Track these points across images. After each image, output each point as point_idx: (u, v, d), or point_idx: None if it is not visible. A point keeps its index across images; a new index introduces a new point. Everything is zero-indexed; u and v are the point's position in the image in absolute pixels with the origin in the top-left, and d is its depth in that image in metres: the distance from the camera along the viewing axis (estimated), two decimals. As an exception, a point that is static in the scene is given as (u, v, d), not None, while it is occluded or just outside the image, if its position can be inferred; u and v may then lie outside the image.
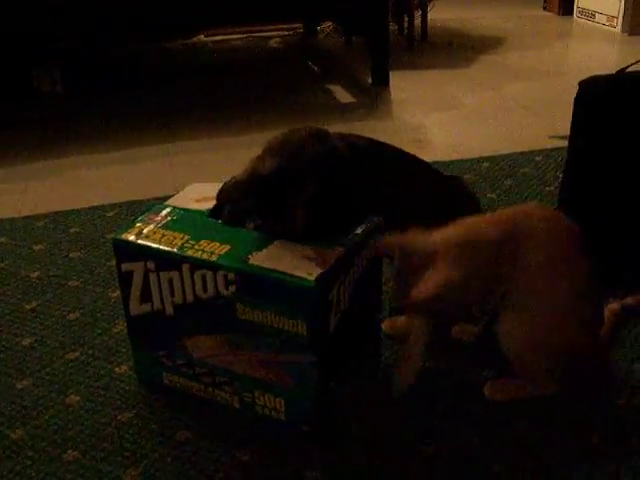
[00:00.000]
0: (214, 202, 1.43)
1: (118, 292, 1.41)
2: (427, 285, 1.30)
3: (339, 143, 1.41)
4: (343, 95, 3.40)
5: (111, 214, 2.25)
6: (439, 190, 1.64)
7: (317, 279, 1.23)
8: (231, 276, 1.27)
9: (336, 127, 2.73)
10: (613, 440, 1.35)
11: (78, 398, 1.49)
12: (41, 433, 1.40)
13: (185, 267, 1.31)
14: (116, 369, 1.57)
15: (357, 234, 1.35)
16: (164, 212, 1.45)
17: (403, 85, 3.46)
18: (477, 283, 1.34)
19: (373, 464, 1.31)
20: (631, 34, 4.16)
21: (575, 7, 4.68)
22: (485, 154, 2.61)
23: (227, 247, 1.31)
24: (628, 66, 1.80)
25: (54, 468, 1.32)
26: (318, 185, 1.32)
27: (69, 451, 1.36)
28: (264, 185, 1.33)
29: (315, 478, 1.29)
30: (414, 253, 1.33)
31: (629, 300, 1.54)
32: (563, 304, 1.36)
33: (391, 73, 3.47)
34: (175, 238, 1.36)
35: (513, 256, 1.34)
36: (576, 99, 1.78)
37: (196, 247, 1.32)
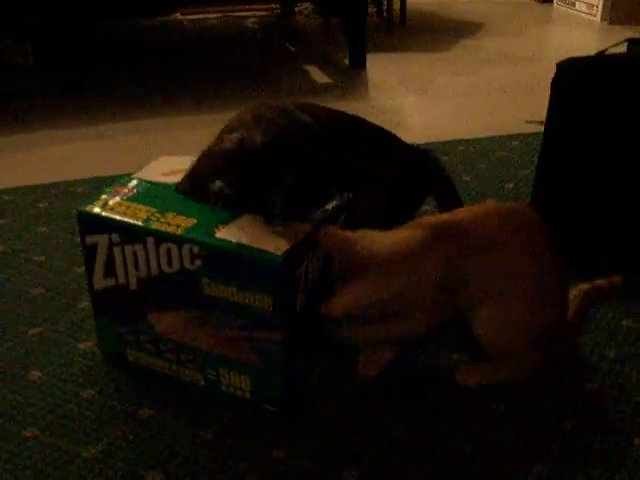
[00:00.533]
0: (182, 175, 1.40)
1: (84, 268, 1.37)
2: (342, 297, 1.24)
3: (307, 118, 1.37)
4: (319, 76, 3.37)
5: (80, 189, 2.21)
6: (406, 161, 1.62)
7: (284, 254, 1.19)
8: (196, 250, 1.24)
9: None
10: (585, 425, 1.34)
11: (39, 374, 1.45)
12: (0, 409, 1.37)
13: (150, 240, 1.28)
14: (80, 345, 1.53)
15: (327, 210, 1.32)
16: (131, 184, 1.41)
17: (380, 67, 3.43)
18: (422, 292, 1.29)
19: (340, 444, 1.29)
20: (610, 23, 4.15)
21: (555, -6, 4.67)
22: (461, 137, 2.60)
23: (193, 221, 1.28)
24: (607, 48, 1.78)
25: (12, 445, 1.29)
26: (298, 174, 1.29)
27: (28, 428, 1.33)
28: (249, 161, 1.28)
29: (281, 458, 1.26)
30: (351, 257, 1.25)
31: (600, 282, 1.54)
32: (533, 288, 1.34)
33: (369, 56, 3.45)
34: (140, 211, 1.32)
35: (467, 259, 1.30)
36: (553, 80, 1.76)
37: (162, 220, 1.29)
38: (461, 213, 1.36)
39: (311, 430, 1.32)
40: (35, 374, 1.45)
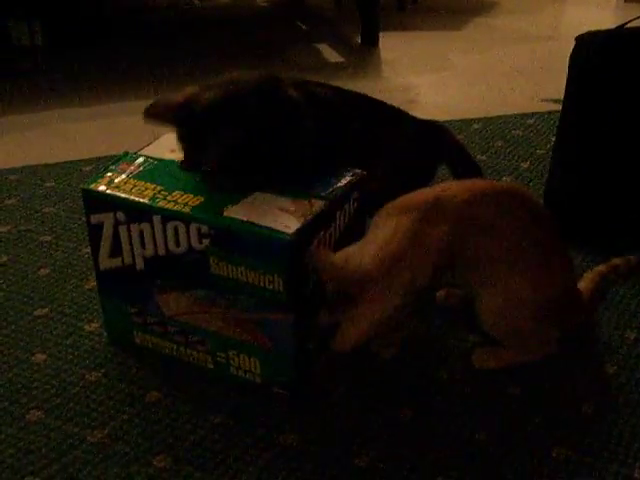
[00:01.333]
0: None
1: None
2: (353, 327, 1.21)
3: (287, 92, 1.35)
4: (332, 55, 3.32)
5: (88, 169, 2.18)
6: (413, 133, 1.59)
7: (295, 233, 1.16)
8: (204, 229, 1.20)
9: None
10: (605, 409, 1.30)
11: (45, 356, 1.42)
12: (4, 392, 1.34)
13: (156, 219, 1.24)
14: (86, 327, 1.50)
15: (339, 187, 1.28)
16: (137, 162, 1.37)
17: (393, 46, 3.38)
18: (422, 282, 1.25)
19: (350, 429, 1.26)
20: (627, 0, 4.08)
21: (571, -28, 4.59)
22: (476, 116, 2.55)
23: (201, 199, 1.24)
24: (627, 22, 1.73)
25: (17, 428, 1.26)
26: (242, 133, 1.25)
27: (33, 411, 1.30)
28: (194, 115, 1.28)
29: (291, 443, 1.23)
30: (344, 282, 1.21)
31: (616, 261, 1.51)
32: (531, 266, 1.30)
33: (381, 34, 3.40)
34: (147, 189, 1.28)
35: (467, 240, 1.26)
36: (572, 55, 1.71)
37: (168, 198, 1.25)
38: (453, 189, 1.29)
39: (322, 414, 1.29)
40: (40, 356, 1.43)
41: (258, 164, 1.28)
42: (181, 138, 1.32)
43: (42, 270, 1.69)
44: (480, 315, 1.34)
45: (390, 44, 3.39)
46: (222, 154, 1.26)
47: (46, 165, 2.21)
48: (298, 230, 1.16)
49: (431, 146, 1.65)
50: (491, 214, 1.27)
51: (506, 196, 1.31)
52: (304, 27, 3.77)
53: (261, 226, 1.17)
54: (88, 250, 1.68)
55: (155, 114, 1.34)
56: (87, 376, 1.38)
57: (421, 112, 2.48)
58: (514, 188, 1.37)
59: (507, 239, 1.28)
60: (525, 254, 1.29)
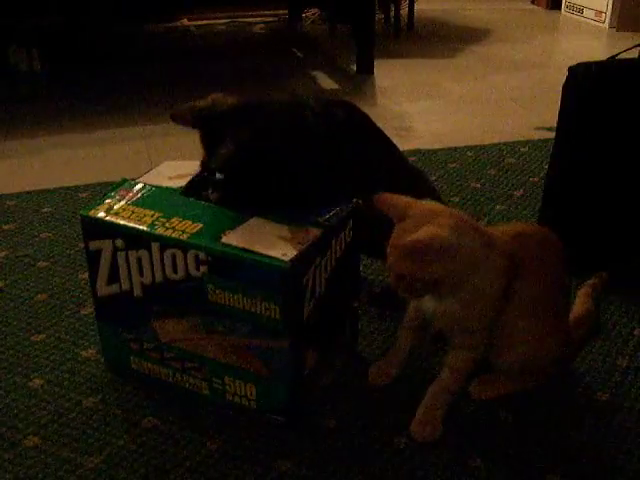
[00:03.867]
0: (187, 180, 1.38)
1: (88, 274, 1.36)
2: (425, 230, 1.16)
3: (306, 119, 1.38)
4: (327, 82, 3.35)
5: (85, 195, 2.19)
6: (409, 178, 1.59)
7: (292, 260, 1.17)
8: (202, 256, 1.22)
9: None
10: (596, 437, 1.31)
11: (42, 382, 1.43)
12: (1, 417, 1.34)
13: (155, 246, 1.26)
14: (83, 352, 1.51)
15: (335, 215, 1.30)
16: (136, 188, 1.39)
17: (388, 74, 3.41)
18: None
19: (346, 455, 1.26)
20: (619, 30, 4.12)
21: (563, 1, 4.63)
22: (470, 143, 2.57)
23: (199, 226, 1.26)
24: (619, 53, 1.76)
25: (13, 454, 1.26)
26: (254, 137, 1.29)
27: (30, 436, 1.30)
28: (213, 116, 1.33)
29: (287, 469, 1.24)
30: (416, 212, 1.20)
31: (593, 280, 1.64)
32: (557, 308, 1.36)
33: (376, 62, 3.42)
34: (145, 215, 1.30)
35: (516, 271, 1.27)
36: (565, 85, 1.73)
37: (167, 225, 1.26)
38: (499, 231, 1.30)
39: (318, 441, 1.30)
40: (37, 381, 1.43)
41: (264, 177, 1.29)
42: (201, 140, 1.36)
43: (39, 296, 1.70)
44: (505, 354, 1.34)
45: (385, 72, 3.41)
46: (231, 154, 1.28)
47: (44, 191, 2.22)
48: (295, 257, 1.18)
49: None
50: (537, 256, 1.30)
51: (547, 240, 1.34)
52: (299, 54, 3.79)
53: (258, 253, 1.18)
54: (85, 276, 1.70)
55: (179, 116, 1.37)
56: (84, 402, 1.38)
57: (414, 139, 2.52)
58: (549, 233, 1.38)
59: (545, 279, 1.31)
60: (553, 296, 1.34)
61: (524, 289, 1.27)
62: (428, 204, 1.23)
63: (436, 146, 2.54)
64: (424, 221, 1.16)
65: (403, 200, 1.21)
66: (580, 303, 1.57)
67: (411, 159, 2.35)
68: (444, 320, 1.28)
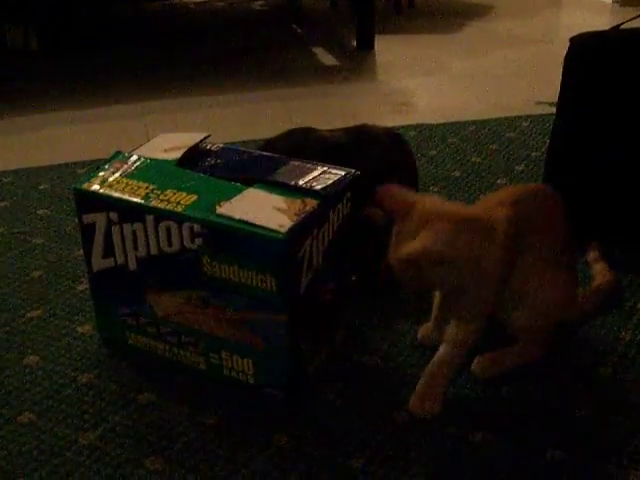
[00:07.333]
0: (183, 151, 1.36)
1: (84, 250, 1.35)
2: (420, 240, 1.17)
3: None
4: (327, 58, 3.32)
5: (82, 171, 2.17)
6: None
7: (288, 232, 1.15)
8: (197, 228, 1.19)
9: (318, 89, 2.68)
10: (599, 412, 1.29)
11: (37, 358, 1.41)
12: (-5, 394, 1.33)
13: (149, 219, 1.24)
14: (78, 328, 1.49)
15: (333, 186, 1.27)
16: (130, 161, 1.36)
17: (389, 49, 3.38)
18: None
19: (345, 430, 1.25)
20: (622, 5, 4.08)
21: (566, -24, 4.59)
22: (471, 118, 2.54)
23: (194, 197, 1.23)
24: (622, 23, 1.73)
25: (8, 431, 1.25)
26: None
27: (25, 413, 1.29)
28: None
29: (285, 444, 1.22)
30: (415, 217, 1.20)
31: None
32: (564, 265, 1.35)
33: (377, 38, 3.40)
34: (140, 188, 1.27)
35: (520, 235, 1.26)
36: (567, 56, 1.70)
37: (161, 197, 1.24)
38: (495, 199, 1.30)
39: (316, 415, 1.28)
40: (32, 358, 1.41)
41: None
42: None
43: (35, 272, 1.68)
44: (519, 306, 1.33)
45: (385, 47, 3.39)
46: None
47: (40, 168, 2.20)
48: (291, 229, 1.15)
49: None
50: (538, 214, 1.30)
51: (547, 196, 1.35)
52: (300, 30, 3.77)
53: (254, 224, 1.16)
54: (81, 252, 1.67)
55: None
56: (79, 378, 1.36)
57: (415, 114, 2.50)
58: (547, 189, 1.38)
59: (551, 237, 1.31)
60: (565, 250, 1.35)
61: (534, 249, 1.28)
62: (429, 202, 1.22)
63: (437, 121, 2.51)
64: (422, 225, 1.18)
65: (407, 198, 1.22)
66: (599, 274, 1.58)
67: (411, 134, 2.35)
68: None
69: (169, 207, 1.22)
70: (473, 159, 2.21)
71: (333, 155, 1.48)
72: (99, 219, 1.29)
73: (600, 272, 1.58)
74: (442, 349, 1.30)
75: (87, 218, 1.31)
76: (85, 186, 1.30)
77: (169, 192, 1.25)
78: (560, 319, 1.39)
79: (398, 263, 1.19)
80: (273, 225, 1.15)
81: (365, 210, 1.50)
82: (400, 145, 1.73)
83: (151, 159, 1.36)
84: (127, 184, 1.29)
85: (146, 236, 1.25)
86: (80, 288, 1.61)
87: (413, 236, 1.16)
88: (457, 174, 2.12)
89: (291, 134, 1.66)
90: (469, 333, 1.29)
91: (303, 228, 1.18)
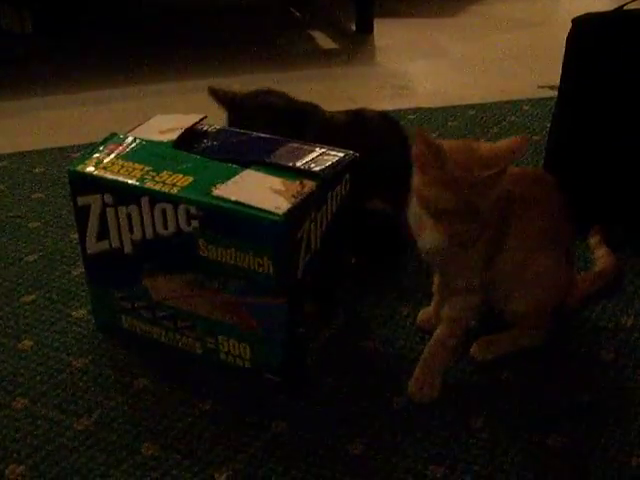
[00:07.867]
0: (179, 133, 1.34)
1: (80, 233, 1.33)
2: None
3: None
4: (325, 41, 3.29)
5: (77, 155, 2.14)
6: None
7: (285, 213, 1.13)
8: (193, 210, 1.18)
9: (317, 72, 2.65)
10: (600, 397, 1.28)
11: (31, 343, 1.40)
12: (-11, 379, 1.31)
13: (144, 201, 1.22)
14: (73, 313, 1.48)
15: (331, 168, 1.25)
16: (125, 142, 1.34)
17: (388, 33, 3.34)
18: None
19: (343, 415, 1.23)
20: (623, -12, 4.06)
21: (567, -41, 4.56)
22: (471, 102, 2.52)
23: (190, 179, 1.21)
24: (625, 4, 1.70)
25: (1, 416, 1.23)
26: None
27: (19, 398, 1.27)
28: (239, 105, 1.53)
29: (282, 429, 1.21)
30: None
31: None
32: (560, 249, 1.34)
33: (376, 21, 3.35)
34: (135, 169, 1.26)
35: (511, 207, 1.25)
36: (569, 37, 1.68)
37: (157, 179, 1.22)
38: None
39: (314, 400, 1.27)
40: (27, 343, 1.40)
41: None
42: (229, 123, 1.52)
43: (30, 256, 1.67)
44: (515, 292, 1.32)
45: (384, 31, 3.35)
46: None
47: (35, 151, 2.18)
48: (289, 210, 1.13)
49: None
50: (532, 193, 1.29)
51: (542, 177, 1.37)
52: (298, 14, 3.73)
53: (250, 206, 1.14)
54: (77, 236, 1.66)
55: (215, 94, 1.54)
56: (74, 363, 1.35)
57: (414, 98, 2.48)
58: (542, 172, 1.42)
59: (545, 214, 1.30)
60: (562, 231, 1.34)
61: (527, 225, 1.27)
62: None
63: (436, 104, 2.49)
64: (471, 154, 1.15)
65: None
66: (601, 258, 1.57)
67: (410, 117, 2.33)
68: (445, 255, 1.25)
69: (165, 189, 1.20)
70: (474, 143, 2.19)
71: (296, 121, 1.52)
72: (94, 201, 1.27)
73: (602, 257, 1.57)
74: (439, 330, 1.29)
75: (82, 200, 1.29)
76: (80, 168, 1.29)
77: (165, 174, 1.23)
78: (557, 304, 1.37)
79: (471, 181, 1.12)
80: (270, 207, 1.13)
81: (367, 204, 1.50)
82: (396, 131, 1.69)
83: (147, 141, 1.34)
84: (122, 166, 1.27)
85: (141, 218, 1.24)
86: (75, 272, 1.59)
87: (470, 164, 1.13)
88: (457, 157, 2.10)
89: (258, 95, 1.58)
90: (464, 310, 1.28)
91: (301, 210, 1.16)
